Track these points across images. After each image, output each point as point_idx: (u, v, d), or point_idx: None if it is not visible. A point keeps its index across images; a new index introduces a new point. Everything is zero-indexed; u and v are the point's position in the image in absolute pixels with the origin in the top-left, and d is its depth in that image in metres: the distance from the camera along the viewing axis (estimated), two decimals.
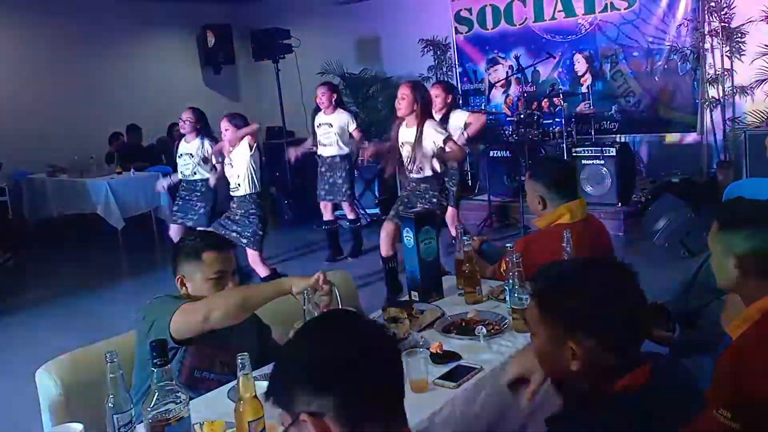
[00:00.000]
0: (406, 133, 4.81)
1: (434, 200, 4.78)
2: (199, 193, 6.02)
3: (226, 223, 5.42)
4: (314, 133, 6.57)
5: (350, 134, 6.47)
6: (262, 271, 5.47)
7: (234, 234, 5.31)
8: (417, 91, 4.77)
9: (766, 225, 1.86)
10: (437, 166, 4.76)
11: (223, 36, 11.21)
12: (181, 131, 6.16)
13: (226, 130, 5.35)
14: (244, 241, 5.34)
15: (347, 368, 1.22)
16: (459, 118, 6.09)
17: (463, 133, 5.99)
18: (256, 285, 2.24)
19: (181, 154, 6.07)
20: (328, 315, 1.51)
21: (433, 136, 4.68)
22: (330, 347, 1.25)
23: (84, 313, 5.89)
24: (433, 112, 5.33)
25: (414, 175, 4.82)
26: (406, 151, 4.81)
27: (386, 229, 4.98)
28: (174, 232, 6.16)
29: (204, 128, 5.99)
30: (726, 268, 1.89)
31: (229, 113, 5.58)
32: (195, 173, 6.01)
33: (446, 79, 9.15)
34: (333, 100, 6.44)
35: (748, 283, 1.87)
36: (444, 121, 5.80)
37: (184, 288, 2.39)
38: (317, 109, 6.55)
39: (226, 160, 5.48)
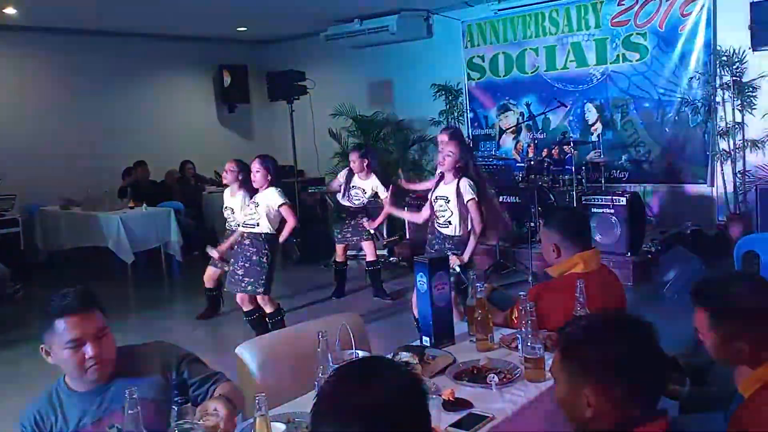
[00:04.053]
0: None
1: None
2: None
3: (235, 268, 5.44)
4: (347, 189, 6.69)
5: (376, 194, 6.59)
6: (269, 308, 5.54)
7: (242, 282, 5.39)
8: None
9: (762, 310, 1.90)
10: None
11: (239, 76, 11.45)
12: (224, 182, 6.20)
13: (257, 171, 5.41)
14: (250, 288, 5.39)
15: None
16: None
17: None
18: None
19: (225, 207, 6.08)
20: (363, 362, 1.60)
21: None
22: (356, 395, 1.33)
23: None
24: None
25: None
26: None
27: None
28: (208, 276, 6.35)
29: (245, 181, 5.82)
30: (734, 348, 1.92)
31: (262, 155, 5.58)
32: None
33: (457, 124, 9.24)
34: (365, 165, 6.55)
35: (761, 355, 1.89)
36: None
37: (49, 357, 2.14)
38: (351, 173, 6.68)
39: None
